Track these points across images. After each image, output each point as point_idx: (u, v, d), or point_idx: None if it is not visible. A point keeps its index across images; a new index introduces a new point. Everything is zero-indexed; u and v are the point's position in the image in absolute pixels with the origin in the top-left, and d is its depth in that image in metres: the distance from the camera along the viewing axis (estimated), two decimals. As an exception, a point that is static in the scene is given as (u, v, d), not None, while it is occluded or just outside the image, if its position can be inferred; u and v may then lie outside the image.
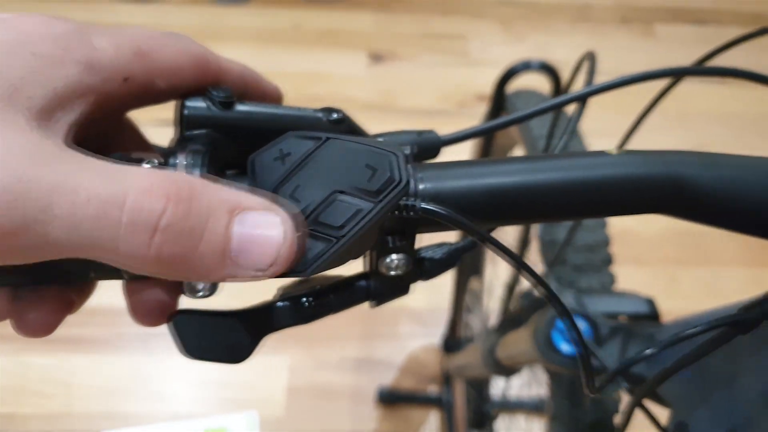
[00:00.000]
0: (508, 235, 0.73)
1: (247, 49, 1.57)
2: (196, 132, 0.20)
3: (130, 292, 0.22)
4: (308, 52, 1.58)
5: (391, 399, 1.02)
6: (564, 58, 1.78)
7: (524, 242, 0.59)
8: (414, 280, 0.22)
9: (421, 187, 0.20)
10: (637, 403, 0.25)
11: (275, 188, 0.20)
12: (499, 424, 0.75)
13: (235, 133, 0.21)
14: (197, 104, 0.21)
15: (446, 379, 1.00)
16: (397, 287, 0.22)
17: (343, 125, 0.22)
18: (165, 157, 0.20)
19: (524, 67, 0.70)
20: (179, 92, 0.21)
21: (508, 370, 0.51)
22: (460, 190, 0.20)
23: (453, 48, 1.63)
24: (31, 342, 1.01)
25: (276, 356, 1.05)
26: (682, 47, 1.65)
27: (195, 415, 1.03)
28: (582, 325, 0.37)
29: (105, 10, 1.63)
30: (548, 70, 0.69)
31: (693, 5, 1.78)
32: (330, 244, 0.18)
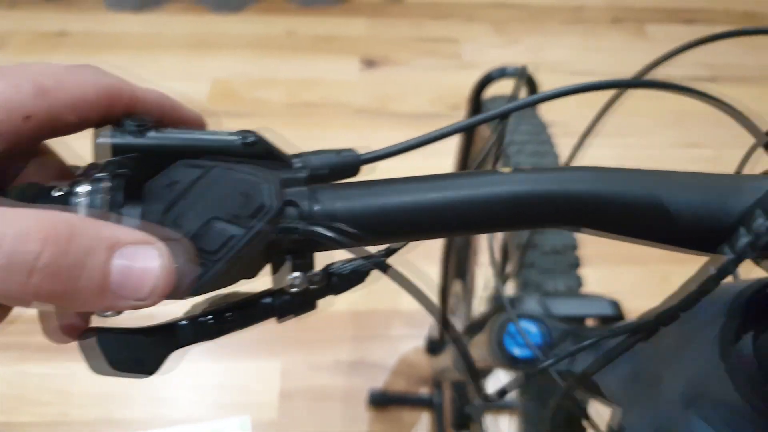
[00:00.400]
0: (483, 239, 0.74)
1: (242, 56, 1.59)
2: (109, 159, 0.21)
3: (41, 315, 0.23)
4: (302, 59, 1.60)
5: (382, 401, 1.03)
6: (558, 59, 1.78)
7: (505, 251, 0.60)
8: (323, 296, 0.23)
9: (316, 208, 0.21)
10: (559, 406, 0.26)
11: (162, 215, 0.21)
12: (487, 424, 0.76)
13: (149, 159, 0.21)
14: (108, 133, 0.21)
15: (437, 381, 1.01)
16: (304, 303, 0.23)
17: (258, 147, 0.23)
18: (71, 185, 0.20)
19: (500, 73, 0.71)
20: (92, 123, 0.22)
21: (480, 372, 0.52)
22: (354, 210, 0.21)
23: (446, 51, 1.64)
24: (29, 350, 1.03)
25: (268, 361, 1.06)
26: (674, 46, 1.66)
27: (191, 419, 1.04)
28: (533, 328, 0.38)
29: (101, 21, 1.66)
30: (524, 75, 0.70)
31: (684, 5, 1.78)
32: (206, 269, 0.20)
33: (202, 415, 1.01)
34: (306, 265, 0.22)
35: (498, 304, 0.50)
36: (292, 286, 0.22)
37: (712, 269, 0.22)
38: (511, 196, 0.22)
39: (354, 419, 1.03)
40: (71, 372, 1.03)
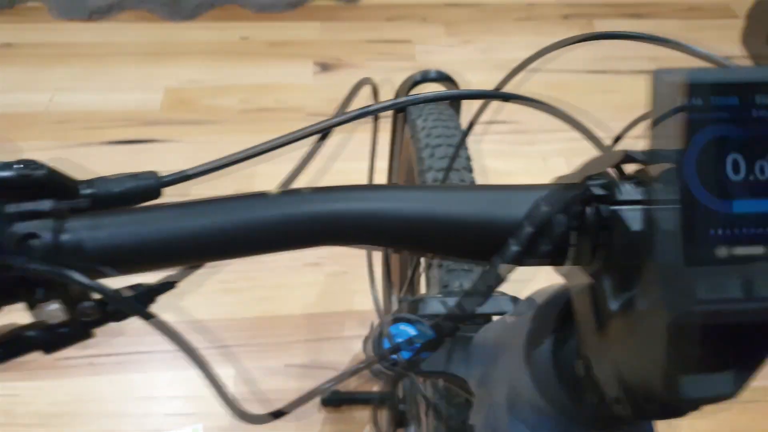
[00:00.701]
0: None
1: (196, 63, 1.59)
2: None
3: None
4: (256, 64, 1.60)
5: (334, 401, 1.04)
6: (510, 57, 1.80)
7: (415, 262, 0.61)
8: (102, 323, 0.23)
9: (63, 239, 0.21)
10: (384, 398, 0.28)
11: None
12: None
13: None
14: None
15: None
16: (76, 333, 0.23)
17: (36, 177, 0.22)
18: None
19: (423, 77, 0.73)
20: None
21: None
22: (101, 240, 0.21)
23: (399, 53, 1.65)
24: (-24, 367, 1.02)
25: (220, 368, 1.06)
26: (621, 42, 1.69)
27: (143, 431, 1.04)
28: (412, 331, 0.40)
29: (50, 31, 1.64)
30: (446, 78, 0.72)
31: (626, 1, 1.82)
32: None
33: (154, 427, 1.01)
34: (67, 297, 0.22)
35: (406, 304, 0.52)
36: (50, 317, 0.22)
37: (488, 278, 0.23)
38: (275, 218, 0.23)
39: (307, 421, 1.04)
40: (16, 392, 1.02)
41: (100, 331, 1.07)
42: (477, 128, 0.43)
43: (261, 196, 0.24)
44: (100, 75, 1.55)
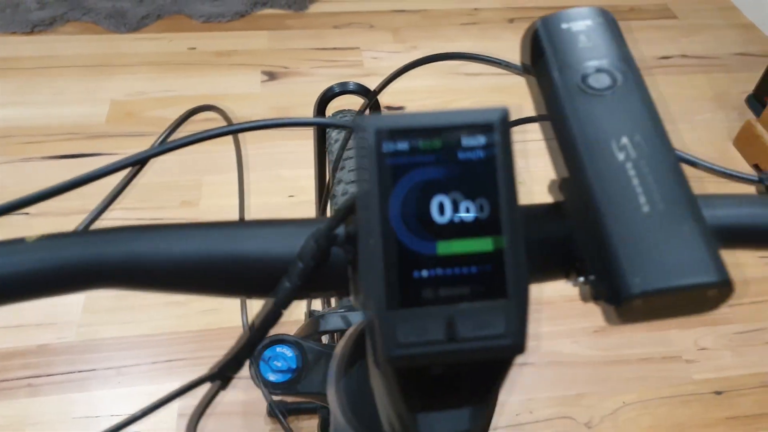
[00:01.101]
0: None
1: (142, 75, 1.58)
2: None
3: None
4: (203, 75, 1.60)
5: (281, 412, 1.05)
6: (457, 63, 1.84)
7: None
8: None
9: None
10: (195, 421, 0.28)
11: None
12: None
13: None
14: None
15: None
16: None
17: None
18: None
19: (341, 88, 0.74)
20: None
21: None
22: None
23: (346, 60, 1.67)
24: None
25: (166, 383, 1.06)
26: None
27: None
28: (289, 352, 0.41)
29: (-9, 46, 1.61)
30: (364, 91, 0.73)
31: (574, 3, 1.87)
32: None
33: (98, 442, 1.01)
34: None
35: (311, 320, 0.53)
36: None
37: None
38: (29, 264, 0.22)
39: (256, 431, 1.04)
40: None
41: (37, 351, 1.08)
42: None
43: (17, 243, 0.23)
44: (42, 88, 1.53)
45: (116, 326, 1.14)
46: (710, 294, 0.20)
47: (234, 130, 0.30)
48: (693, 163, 0.30)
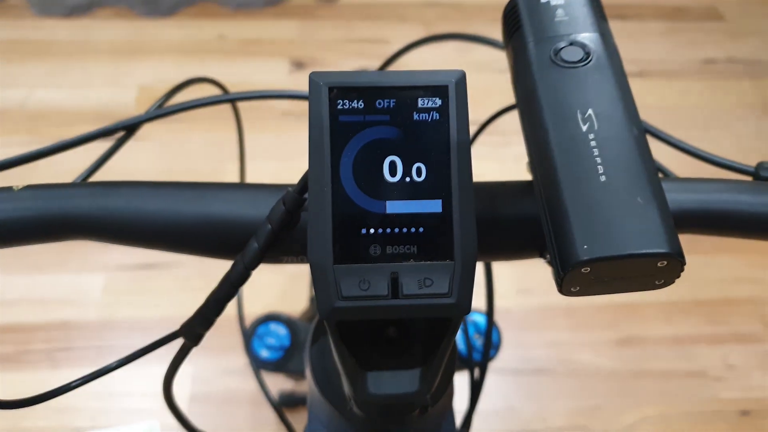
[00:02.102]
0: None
1: (171, 61, 1.59)
2: None
3: None
4: (231, 62, 1.60)
5: (291, 402, 1.04)
6: (485, 58, 1.80)
7: None
8: None
9: None
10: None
11: None
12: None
13: None
14: None
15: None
16: None
17: None
18: None
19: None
20: None
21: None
22: None
23: (375, 52, 1.65)
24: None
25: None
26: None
27: (98, 426, 1.05)
28: (282, 330, 0.40)
29: (28, 27, 1.65)
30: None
31: (615, 1, 1.80)
32: None
33: (110, 421, 1.02)
34: None
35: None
36: None
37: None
38: (14, 212, 0.24)
39: (262, 421, 1.04)
40: (-31, 384, 1.03)
41: (59, 326, 1.09)
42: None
43: (6, 190, 0.25)
44: (75, 71, 1.56)
45: (134, 307, 1.16)
46: (660, 267, 0.20)
47: (228, 99, 0.31)
48: (664, 139, 0.31)
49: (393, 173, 0.21)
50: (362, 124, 0.21)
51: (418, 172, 0.21)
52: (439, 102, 0.21)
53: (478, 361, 0.41)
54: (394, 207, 0.21)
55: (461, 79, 0.22)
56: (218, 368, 1.09)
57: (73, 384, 0.28)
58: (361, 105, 0.21)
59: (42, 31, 1.65)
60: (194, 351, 1.27)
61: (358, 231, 0.21)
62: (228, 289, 0.24)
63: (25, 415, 1.01)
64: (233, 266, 0.24)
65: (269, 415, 1.04)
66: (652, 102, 1.55)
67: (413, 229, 0.21)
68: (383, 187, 0.21)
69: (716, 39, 1.78)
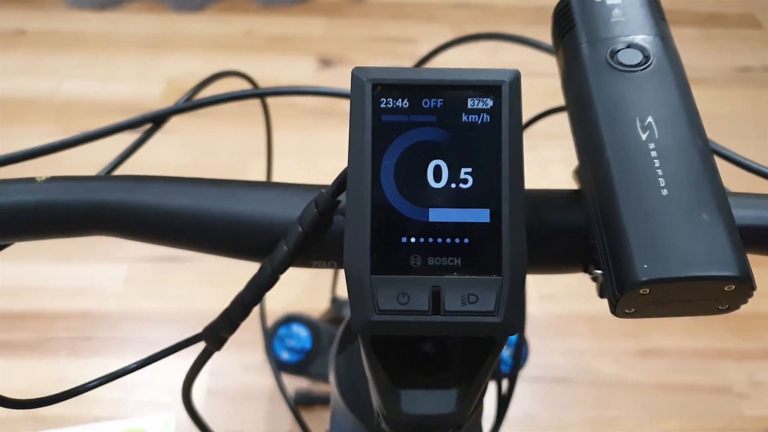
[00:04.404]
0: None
1: (198, 55, 1.60)
2: None
3: None
4: (258, 58, 1.61)
5: (307, 401, 1.04)
6: (514, 61, 1.79)
7: None
8: None
9: None
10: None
11: None
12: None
13: None
14: None
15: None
16: None
17: None
18: None
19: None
20: None
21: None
22: None
23: (403, 51, 1.64)
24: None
25: (193, 359, 1.07)
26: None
27: (115, 417, 1.06)
28: (304, 332, 0.39)
29: (61, 19, 1.67)
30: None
31: (647, 5, 1.77)
32: None
33: (126, 413, 1.03)
34: None
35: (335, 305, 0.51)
36: None
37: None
38: (37, 204, 0.22)
39: (277, 418, 1.04)
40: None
41: (81, 315, 1.09)
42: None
43: (29, 181, 0.23)
44: (102, 65, 1.57)
45: (156, 300, 1.17)
46: (726, 291, 0.18)
47: (259, 93, 0.30)
48: (725, 156, 0.28)
49: (438, 179, 0.20)
50: (406, 124, 0.20)
51: (465, 178, 0.20)
52: (490, 103, 0.20)
53: (506, 372, 0.40)
54: (437, 215, 0.20)
55: (515, 79, 0.20)
56: (237, 363, 1.09)
57: (90, 384, 0.27)
58: (405, 104, 0.20)
59: (73, 23, 1.67)
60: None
61: (398, 240, 0.20)
62: (255, 292, 0.23)
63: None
64: (261, 269, 0.23)
65: (285, 412, 1.04)
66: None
67: (458, 240, 0.19)
68: (427, 193, 0.20)
69: (753, 46, 1.73)
